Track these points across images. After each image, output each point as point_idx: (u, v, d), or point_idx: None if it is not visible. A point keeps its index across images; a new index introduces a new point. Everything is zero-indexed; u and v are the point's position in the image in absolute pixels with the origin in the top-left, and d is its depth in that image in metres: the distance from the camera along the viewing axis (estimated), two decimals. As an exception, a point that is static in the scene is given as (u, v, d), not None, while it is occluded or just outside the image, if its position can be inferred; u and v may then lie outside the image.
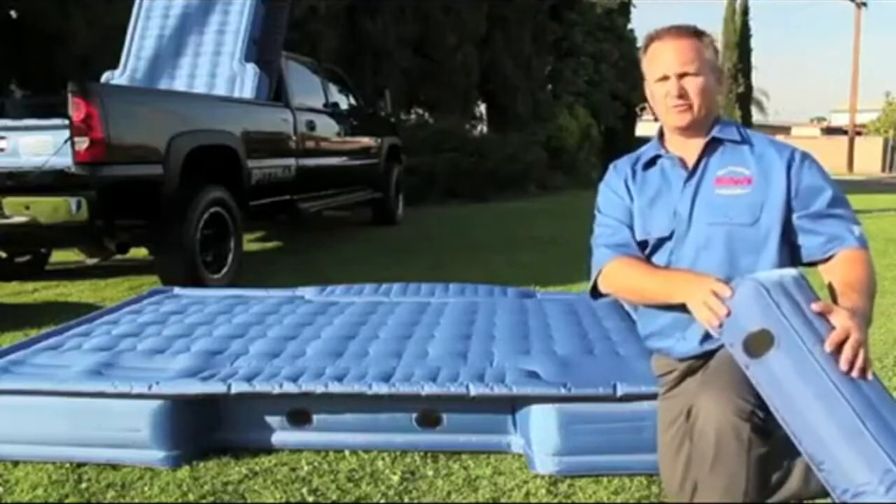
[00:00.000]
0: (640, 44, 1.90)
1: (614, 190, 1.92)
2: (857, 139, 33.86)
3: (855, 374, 1.47)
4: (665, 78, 1.77)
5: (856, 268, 1.71)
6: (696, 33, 1.79)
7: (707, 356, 1.74)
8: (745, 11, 27.43)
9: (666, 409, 1.83)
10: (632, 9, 20.33)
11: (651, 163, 1.89)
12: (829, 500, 1.90)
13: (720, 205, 1.75)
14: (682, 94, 1.75)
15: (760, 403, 1.51)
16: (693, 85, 1.75)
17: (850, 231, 1.73)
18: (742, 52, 27.44)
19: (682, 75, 1.75)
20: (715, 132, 1.79)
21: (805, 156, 1.78)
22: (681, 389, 1.80)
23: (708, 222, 1.75)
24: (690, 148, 1.81)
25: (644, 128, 23.80)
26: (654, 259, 1.84)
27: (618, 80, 19.19)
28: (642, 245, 1.86)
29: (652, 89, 1.82)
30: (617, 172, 1.95)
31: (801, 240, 1.76)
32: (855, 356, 1.48)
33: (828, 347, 1.48)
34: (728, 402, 1.52)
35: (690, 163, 1.81)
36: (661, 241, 1.83)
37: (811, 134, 43.94)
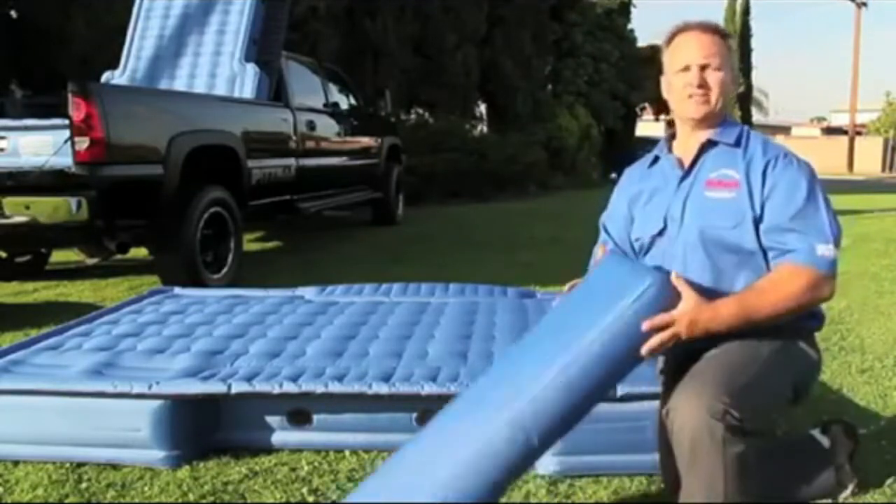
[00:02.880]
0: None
1: (619, 194, 1.97)
2: (857, 139, 33.86)
3: (643, 351, 1.55)
4: (687, 68, 1.77)
5: (771, 281, 1.65)
6: (720, 31, 1.81)
7: (698, 356, 1.73)
8: (746, 11, 27.46)
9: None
10: (632, 9, 20.32)
11: (654, 163, 1.92)
12: (828, 501, 1.91)
13: (707, 207, 1.75)
14: (702, 84, 1.75)
15: (736, 403, 1.51)
16: (714, 78, 1.75)
17: (810, 247, 1.65)
18: (742, 52, 27.45)
19: (703, 67, 1.75)
20: (713, 134, 1.79)
21: (788, 162, 1.73)
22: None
23: (695, 223, 1.76)
24: (693, 147, 1.82)
25: (644, 128, 23.81)
26: (649, 257, 1.86)
27: (618, 80, 19.19)
28: (639, 244, 1.88)
29: (671, 80, 1.82)
30: (630, 176, 1.99)
31: (765, 248, 1.72)
32: (657, 346, 1.55)
33: (645, 326, 1.54)
34: (700, 403, 1.53)
35: (688, 163, 1.82)
36: (653, 239, 1.84)
37: (811, 134, 43.95)
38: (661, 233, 1.82)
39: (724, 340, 1.67)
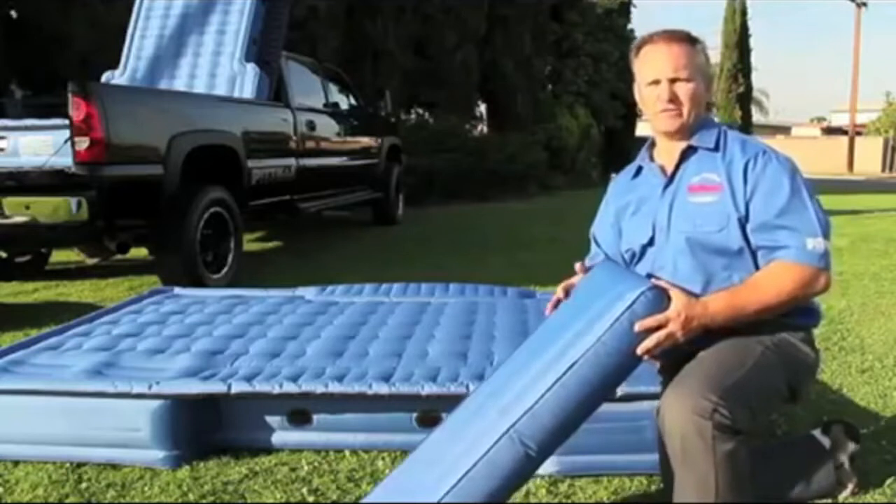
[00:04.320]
0: (639, 38, 1.90)
1: (607, 206, 2.00)
2: (857, 139, 33.83)
3: (639, 351, 1.56)
4: (656, 82, 1.78)
5: (763, 276, 1.67)
6: (689, 39, 1.80)
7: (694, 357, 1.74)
8: (745, 11, 27.39)
9: None
10: (632, 9, 20.32)
11: (638, 173, 1.94)
12: (828, 501, 1.91)
13: (691, 212, 1.76)
14: (673, 99, 1.76)
15: (725, 402, 1.52)
16: (684, 90, 1.76)
17: (801, 243, 1.66)
18: (742, 52, 27.35)
19: (673, 80, 1.76)
20: (692, 140, 1.80)
21: (768, 159, 1.73)
22: None
23: (682, 229, 1.77)
24: (674, 154, 1.83)
25: (644, 128, 23.78)
26: (639, 266, 1.87)
27: (618, 80, 19.18)
28: (630, 254, 1.89)
29: (642, 92, 1.83)
30: (616, 187, 2.01)
31: (754, 247, 1.73)
32: (654, 346, 1.56)
33: (637, 328, 1.55)
34: (689, 403, 1.53)
35: (670, 171, 1.83)
36: (643, 249, 1.85)
37: (811, 134, 43.92)
38: (650, 242, 1.83)
39: (718, 340, 1.67)
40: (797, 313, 1.73)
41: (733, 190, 1.72)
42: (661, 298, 1.59)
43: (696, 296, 1.66)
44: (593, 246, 2.03)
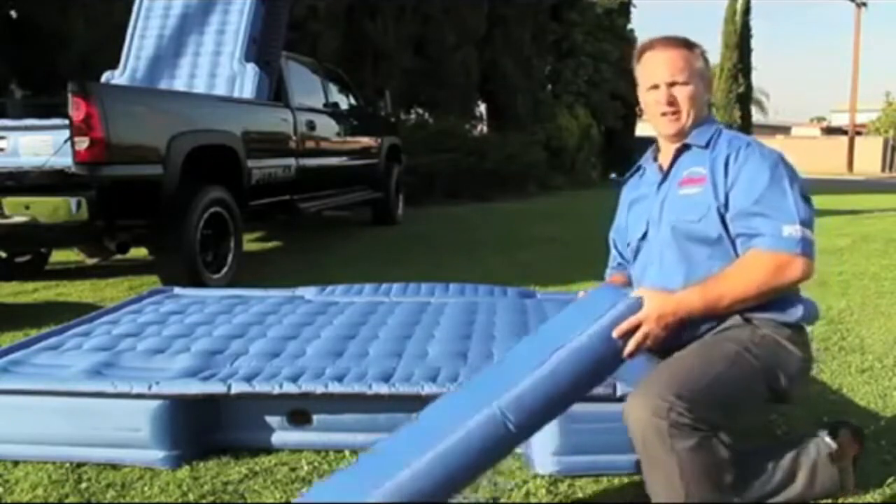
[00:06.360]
0: (640, 45, 1.97)
1: (620, 211, 2.10)
2: (857, 139, 33.84)
3: (625, 355, 1.62)
4: (655, 87, 1.84)
5: (737, 266, 1.70)
6: (686, 44, 1.86)
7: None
8: (746, 11, 27.37)
9: None
10: (632, 9, 20.34)
11: (642, 174, 2.03)
12: (829, 501, 1.91)
13: (678, 204, 1.82)
14: (672, 102, 1.82)
15: (683, 401, 1.53)
16: (682, 94, 1.82)
17: (776, 229, 1.66)
18: (742, 52, 27.38)
19: (671, 84, 1.82)
20: (688, 139, 1.86)
21: (751, 151, 1.76)
22: None
23: (668, 221, 1.83)
24: (671, 153, 1.90)
25: (644, 128, 23.81)
26: (637, 261, 1.95)
27: (618, 80, 19.17)
28: (630, 249, 1.99)
29: (644, 97, 1.89)
30: (626, 190, 2.10)
31: (733, 235, 1.76)
32: (635, 348, 1.61)
33: (615, 334, 1.59)
34: (646, 404, 1.56)
35: (666, 168, 1.90)
36: (640, 244, 1.93)
37: (811, 134, 43.94)
38: (644, 236, 1.91)
39: (699, 339, 1.71)
40: (779, 310, 1.73)
41: (715, 181, 1.77)
42: (637, 306, 1.64)
43: (677, 288, 1.71)
44: (612, 249, 2.14)
